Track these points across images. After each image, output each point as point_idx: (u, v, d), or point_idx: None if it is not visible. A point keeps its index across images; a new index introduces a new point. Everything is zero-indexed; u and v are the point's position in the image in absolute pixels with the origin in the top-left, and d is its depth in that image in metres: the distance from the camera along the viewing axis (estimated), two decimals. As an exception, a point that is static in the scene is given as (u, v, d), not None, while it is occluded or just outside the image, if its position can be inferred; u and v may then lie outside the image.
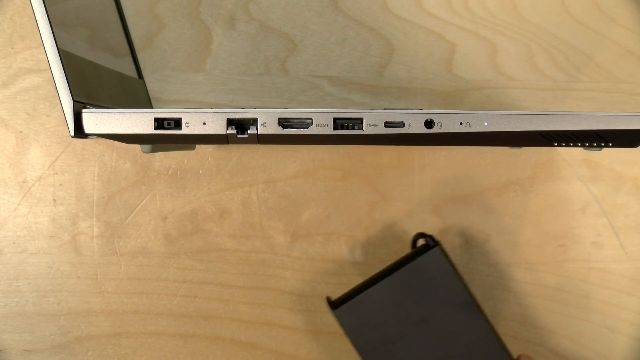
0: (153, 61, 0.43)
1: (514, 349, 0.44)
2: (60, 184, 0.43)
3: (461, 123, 0.29)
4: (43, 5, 0.28)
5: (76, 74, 0.29)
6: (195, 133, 0.28)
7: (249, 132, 0.28)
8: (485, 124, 0.29)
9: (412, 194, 0.44)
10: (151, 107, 0.42)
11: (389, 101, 0.43)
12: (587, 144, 0.30)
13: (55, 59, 0.28)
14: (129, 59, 0.41)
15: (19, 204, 0.43)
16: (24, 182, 0.43)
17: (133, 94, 0.39)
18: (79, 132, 0.28)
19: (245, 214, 0.44)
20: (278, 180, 0.44)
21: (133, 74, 0.41)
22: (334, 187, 0.44)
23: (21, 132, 0.43)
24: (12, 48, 0.43)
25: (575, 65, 0.44)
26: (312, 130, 0.28)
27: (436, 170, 0.44)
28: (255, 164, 0.44)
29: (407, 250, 0.44)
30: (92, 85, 0.31)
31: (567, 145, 0.30)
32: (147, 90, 0.42)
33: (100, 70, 0.34)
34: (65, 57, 0.28)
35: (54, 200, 0.43)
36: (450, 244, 0.44)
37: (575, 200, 0.44)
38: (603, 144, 0.30)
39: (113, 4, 0.40)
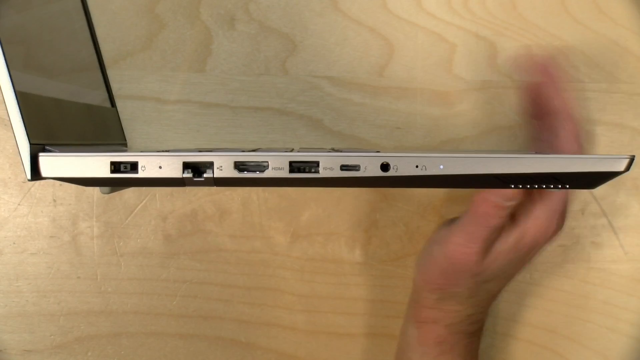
0: (153, 61, 0.43)
1: (514, 349, 0.44)
2: (60, 185, 0.43)
3: (417, 166, 0.29)
4: None
5: (35, 114, 0.29)
6: (151, 177, 0.29)
7: (205, 175, 0.29)
8: (441, 167, 0.29)
9: (412, 194, 0.44)
10: (123, 135, 0.42)
11: (389, 101, 0.43)
12: (544, 186, 0.30)
13: (13, 103, 0.27)
14: (103, 89, 0.41)
15: (19, 204, 0.43)
16: (24, 182, 0.43)
17: (102, 125, 0.39)
18: (36, 174, 0.28)
19: (245, 214, 0.44)
20: (278, 181, 0.44)
21: (106, 103, 0.41)
22: (334, 188, 0.44)
23: (21, 132, 0.43)
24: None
25: (575, 65, 0.44)
26: (269, 173, 0.29)
27: (436, 171, 0.44)
28: (255, 164, 0.44)
29: (407, 250, 0.44)
30: (53, 124, 0.31)
31: (524, 188, 0.30)
32: (119, 118, 0.42)
33: (63, 105, 0.33)
34: (24, 100, 0.28)
35: (54, 201, 0.43)
36: (450, 244, 0.44)
37: (574, 201, 0.44)
38: (560, 186, 0.30)
39: (87, 31, 0.40)
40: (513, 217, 0.36)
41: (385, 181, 0.29)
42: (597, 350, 0.44)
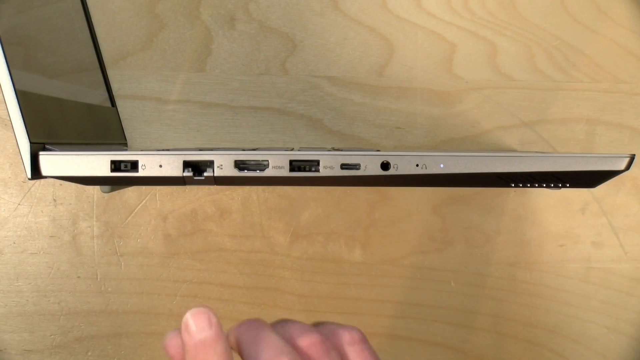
0: (153, 61, 0.43)
1: (514, 349, 0.44)
2: (61, 184, 0.43)
3: (417, 165, 0.29)
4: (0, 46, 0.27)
5: (35, 113, 0.29)
6: (151, 175, 0.29)
7: (205, 174, 0.29)
8: (442, 165, 0.29)
9: (412, 194, 0.44)
10: (123, 134, 0.42)
11: (389, 101, 0.43)
12: (545, 185, 0.30)
13: (13, 102, 0.27)
14: (103, 88, 0.41)
15: (19, 204, 0.43)
16: (24, 182, 0.43)
17: (102, 125, 0.39)
18: (36, 173, 0.28)
19: (245, 214, 0.44)
20: (278, 180, 0.44)
21: (106, 103, 0.41)
22: (334, 187, 0.44)
23: (21, 132, 0.43)
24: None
25: (575, 66, 0.44)
26: (269, 172, 0.29)
27: (436, 170, 0.44)
28: (255, 164, 0.44)
29: (406, 250, 0.44)
30: (53, 123, 0.31)
31: (525, 186, 0.30)
32: (119, 118, 0.42)
33: (63, 105, 0.33)
34: (24, 99, 0.28)
35: (54, 200, 0.43)
36: (450, 244, 0.44)
37: (575, 200, 0.44)
38: (560, 185, 0.30)
39: (87, 31, 0.40)
40: None
41: (386, 180, 0.29)
42: (597, 350, 0.44)
